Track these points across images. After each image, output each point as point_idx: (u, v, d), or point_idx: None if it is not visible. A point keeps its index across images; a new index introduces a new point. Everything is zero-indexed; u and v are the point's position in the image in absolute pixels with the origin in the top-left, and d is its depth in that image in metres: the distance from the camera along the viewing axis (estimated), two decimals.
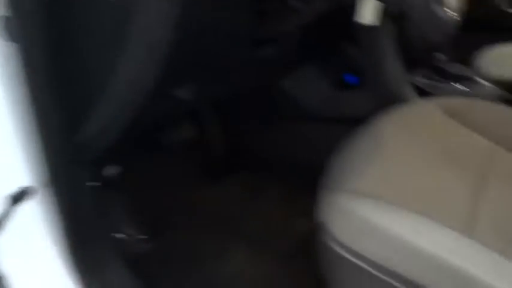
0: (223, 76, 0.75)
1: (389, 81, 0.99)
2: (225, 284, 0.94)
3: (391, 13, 0.82)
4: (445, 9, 0.57)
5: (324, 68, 1.10)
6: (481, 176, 0.68)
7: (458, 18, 0.58)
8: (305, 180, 0.79)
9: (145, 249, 0.93)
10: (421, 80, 1.05)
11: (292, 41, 0.79)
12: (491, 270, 0.49)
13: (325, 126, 1.04)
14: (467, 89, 1.01)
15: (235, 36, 0.68)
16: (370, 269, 0.56)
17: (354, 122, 0.79)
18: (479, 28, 1.29)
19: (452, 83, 1.03)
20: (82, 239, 0.57)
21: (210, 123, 1.14)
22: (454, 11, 0.58)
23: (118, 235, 0.78)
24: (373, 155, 0.67)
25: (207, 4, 0.57)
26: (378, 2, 0.78)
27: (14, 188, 0.51)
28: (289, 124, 1.09)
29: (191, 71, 0.68)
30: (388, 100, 0.90)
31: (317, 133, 1.06)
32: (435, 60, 1.05)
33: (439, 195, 0.61)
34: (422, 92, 1.01)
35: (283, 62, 0.88)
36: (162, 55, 0.47)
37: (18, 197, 0.51)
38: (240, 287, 0.93)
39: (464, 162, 0.71)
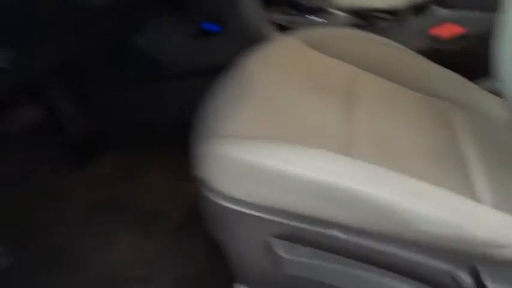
0: (51, 35, 0.61)
1: (248, 22, 0.94)
2: (115, 275, 0.84)
3: None
4: None
5: (179, 18, 1.00)
6: (350, 97, 0.69)
7: None
8: (183, 142, 0.72)
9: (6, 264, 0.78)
10: (279, 17, 1.03)
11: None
12: (372, 181, 0.47)
13: (189, 81, 0.96)
14: (323, 20, 1.01)
15: None
16: (258, 213, 0.51)
17: (218, 71, 0.72)
18: None
19: (307, 15, 1.02)
20: None
21: (58, 99, 0.97)
22: None
23: None
24: (242, 97, 0.62)
25: None
26: None
27: None
28: (150, 84, 0.98)
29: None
30: (249, 42, 0.85)
31: (182, 89, 0.97)
32: None
33: (312, 122, 0.59)
34: (282, 28, 0.98)
35: (125, 12, 0.76)
36: None
37: None
38: (132, 274, 0.84)
39: (332, 87, 0.70)
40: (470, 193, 0.56)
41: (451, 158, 0.62)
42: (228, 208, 0.52)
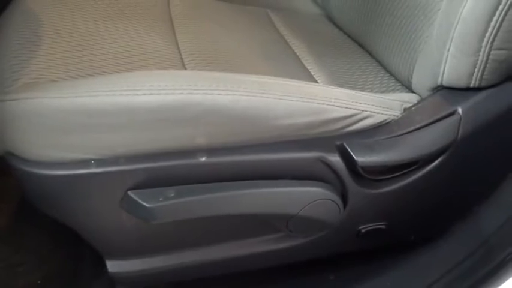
0: None
1: None
2: None
3: None
4: None
5: None
6: (166, 21, 0.60)
7: None
8: None
9: None
10: None
11: None
12: (223, 89, 0.40)
13: None
14: None
15: None
16: (104, 169, 0.41)
17: None
18: None
19: None
20: None
21: None
22: None
23: None
24: (31, 36, 0.47)
25: None
26: None
27: None
28: None
29: None
30: None
31: None
32: None
33: (137, 48, 0.49)
34: None
35: None
36: None
37: None
38: None
39: (141, 11, 0.60)
40: (306, 77, 0.56)
41: (283, 54, 0.61)
42: (67, 176, 0.40)
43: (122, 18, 0.56)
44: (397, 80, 0.58)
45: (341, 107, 0.44)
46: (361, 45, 0.67)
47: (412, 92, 0.53)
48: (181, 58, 0.51)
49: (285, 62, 0.59)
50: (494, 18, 0.40)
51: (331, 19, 0.76)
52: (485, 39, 0.42)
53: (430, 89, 0.50)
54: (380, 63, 0.62)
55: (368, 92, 0.52)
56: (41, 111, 0.39)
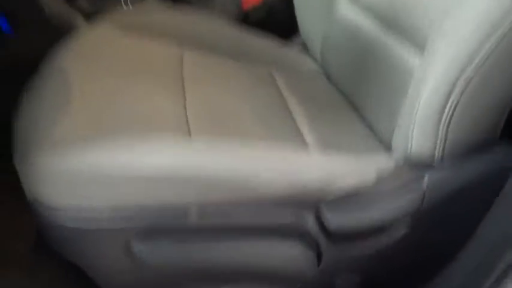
0: None
1: (48, 13, 0.83)
2: None
3: None
4: None
5: None
6: (177, 80, 0.68)
7: None
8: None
9: None
10: (84, 4, 0.94)
11: None
12: (211, 155, 0.49)
13: None
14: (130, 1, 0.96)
15: None
16: (109, 222, 0.49)
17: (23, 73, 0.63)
18: None
19: None
20: None
21: None
22: None
23: None
24: (60, 98, 0.55)
25: None
26: None
27: None
28: None
29: None
30: (54, 35, 0.76)
31: None
32: None
33: (145, 109, 0.57)
34: (88, 16, 0.90)
35: None
36: None
37: None
38: None
39: (158, 72, 0.68)
40: (294, 138, 0.62)
41: (280, 113, 0.68)
42: (76, 227, 0.48)
43: (138, 77, 0.65)
44: (381, 140, 0.63)
45: (318, 174, 0.51)
46: (352, 103, 0.73)
47: (391, 155, 0.59)
48: (187, 121, 0.58)
49: (281, 124, 0.65)
50: (447, 106, 0.47)
51: (328, 77, 0.83)
52: (441, 125, 0.48)
53: (403, 156, 0.55)
54: (367, 122, 0.68)
55: (349, 154, 0.58)
56: (64, 169, 0.47)
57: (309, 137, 0.64)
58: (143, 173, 0.47)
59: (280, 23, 0.90)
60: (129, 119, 0.55)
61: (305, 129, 0.65)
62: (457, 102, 0.46)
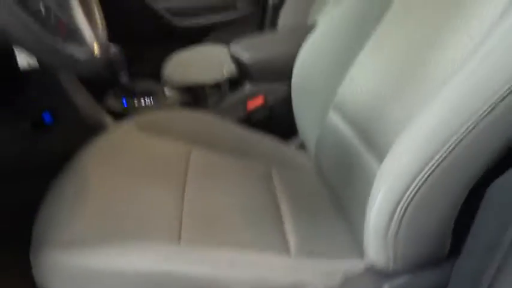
0: None
1: (81, 112, 0.99)
2: None
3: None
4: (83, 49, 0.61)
5: (9, 114, 0.99)
6: (181, 177, 0.78)
7: (100, 55, 0.63)
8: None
9: None
10: (115, 104, 1.10)
11: None
12: (194, 262, 0.56)
13: (29, 178, 0.95)
14: (155, 102, 1.12)
15: None
16: None
17: (55, 166, 0.75)
18: (163, 41, 1.46)
19: (142, 99, 1.12)
20: None
21: None
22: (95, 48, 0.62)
23: None
24: (78, 195, 0.66)
25: None
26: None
27: None
28: None
29: None
30: (86, 132, 0.90)
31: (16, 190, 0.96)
32: (122, 83, 1.12)
33: (145, 211, 0.66)
34: (117, 115, 1.06)
35: None
36: None
37: None
38: None
39: (166, 169, 0.79)
40: (277, 244, 0.67)
41: (269, 216, 0.75)
42: None
43: (148, 176, 0.75)
44: (356, 242, 0.69)
45: (291, 278, 0.57)
46: (338, 203, 0.80)
47: (361, 260, 0.64)
48: (181, 224, 0.66)
49: (268, 229, 0.71)
50: (394, 219, 0.52)
51: (321, 175, 0.92)
52: (389, 237, 0.53)
53: (369, 262, 0.60)
54: (348, 224, 0.74)
55: (322, 259, 0.64)
56: (69, 267, 0.57)
57: (291, 242, 0.69)
58: (136, 278, 0.56)
59: (281, 124, 1.01)
60: (128, 222, 0.64)
61: (289, 234, 0.71)
62: (402, 216, 0.52)
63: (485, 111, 0.46)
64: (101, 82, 0.98)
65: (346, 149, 0.77)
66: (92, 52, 0.63)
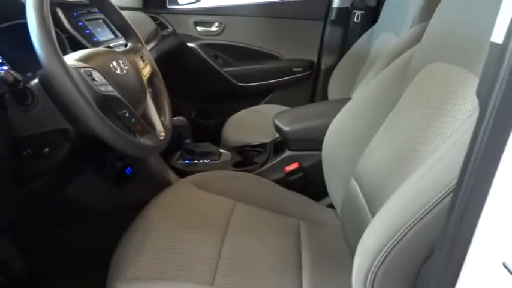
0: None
1: (154, 171, 1.25)
2: None
3: None
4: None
5: (101, 167, 1.28)
6: (223, 228, 0.98)
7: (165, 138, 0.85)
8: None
9: None
10: (177, 162, 1.35)
11: (60, 169, 0.93)
12: None
13: (109, 218, 1.20)
14: (212, 161, 1.35)
15: None
16: None
17: (134, 209, 0.99)
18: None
19: (202, 160, 1.36)
20: None
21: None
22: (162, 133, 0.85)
23: None
24: (142, 240, 0.88)
25: None
26: None
27: None
28: (77, 226, 1.21)
29: None
30: (157, 184, 1.14)
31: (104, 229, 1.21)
32: (185, 145, 1.38)
33: (189, 257, 0.85)
34: (182, 173, 1.30)
35: (53, 184, 1.01)
36: None
37: None
38: None
39: (212, 222, 0.99)
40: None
41: (291, 267, 0.89)
42: None
43: (197, 226, 0.96)
44: None
45: None
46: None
47: None
48: (217, 268, 0.84)
49: (289, 275, 0.86)
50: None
51: (344, 232, 1.05)
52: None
53: None
54: None
55: None
56: None
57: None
58: None
59: (314, 186, 1.18)
60: (175, 266, 0.83)
61: (305, 284, 0.85)
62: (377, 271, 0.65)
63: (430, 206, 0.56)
64: (170, 146, 1.24)
65: (357, 210, 0.91)
66: (160, 138, 0.86)
